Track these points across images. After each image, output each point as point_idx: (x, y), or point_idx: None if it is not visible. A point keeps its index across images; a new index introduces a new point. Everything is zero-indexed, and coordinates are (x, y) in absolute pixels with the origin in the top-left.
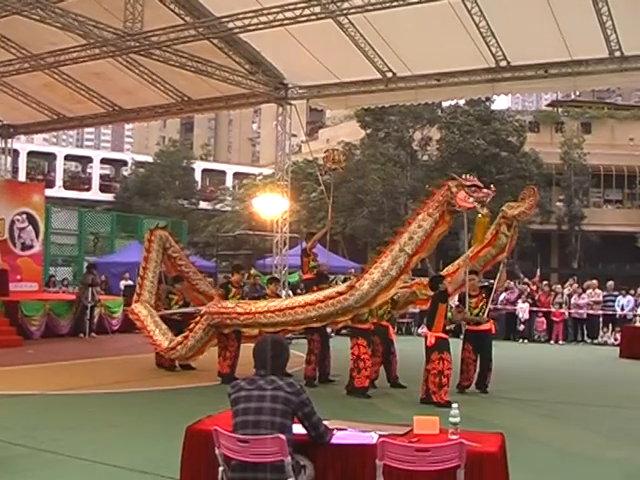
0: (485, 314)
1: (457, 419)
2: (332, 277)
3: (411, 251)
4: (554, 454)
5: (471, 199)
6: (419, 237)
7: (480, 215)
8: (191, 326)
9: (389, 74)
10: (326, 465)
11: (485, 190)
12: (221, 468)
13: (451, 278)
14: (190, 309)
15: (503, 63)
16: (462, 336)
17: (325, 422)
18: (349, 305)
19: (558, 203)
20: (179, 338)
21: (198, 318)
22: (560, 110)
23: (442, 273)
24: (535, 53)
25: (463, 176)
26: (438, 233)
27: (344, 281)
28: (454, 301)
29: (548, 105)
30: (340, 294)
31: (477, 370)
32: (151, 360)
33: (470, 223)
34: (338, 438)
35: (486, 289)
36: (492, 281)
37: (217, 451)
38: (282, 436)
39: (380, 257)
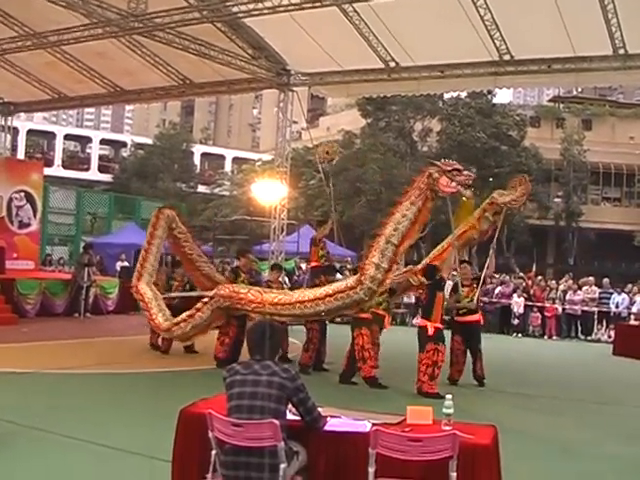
0: (475, 303)
1: (451, 410)
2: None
3: (397, 241)
4: (546, 448)
5: (453, 183)
6: (404, 227)
7: (464, 198)
8: (199, 305)
9: (392, 64)
10: (319, 452)
11: (466, 172)
12: (214, 451)
13: (440, 261)
14: (194, 293)
15: (506, 57)
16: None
17: (319, 409)
18: (359, 298)
19: (556, 199)
20: (184, 316)
21: (207, 299)
22: (561, 106)
23: (427, 259)
24: (539, 48)
25: (442, 160)
26: (422, 220)
27: (353, 272)
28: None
29: (550, 100)
30: (350, 288)
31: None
32: (146, 341)
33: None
34: (331, 425)
35: (476, 280)
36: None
37: (210, 434)
38: (276, 421)
39: (370, 252)
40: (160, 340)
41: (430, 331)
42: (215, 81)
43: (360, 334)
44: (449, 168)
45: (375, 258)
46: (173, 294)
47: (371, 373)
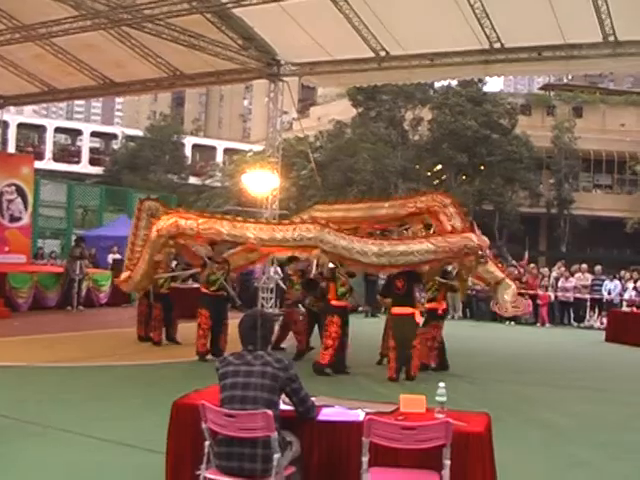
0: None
1: (444, 398)
2: None
3: None
4: (538, 435)
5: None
6: None
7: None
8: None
9: (382, 53)
10: (312, 442)
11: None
12: (207, 442)
13: None
14: (191, 271)
15: (497, 45)
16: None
17: (312, 399)
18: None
19: (542, 187)
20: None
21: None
22: (552, 94)
23: None
24: (529, 36)
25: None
26: None
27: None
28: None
29: (540, 88)
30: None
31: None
32: None
33: None
34: (325, 415)
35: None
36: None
37: (203, 425)
38: (269, 412)
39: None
40: (152, 334)
41: (419, 318)
42: (205, 72)
43: (332, 321)
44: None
45: None
46: (166, 274)
47: (324, 361)
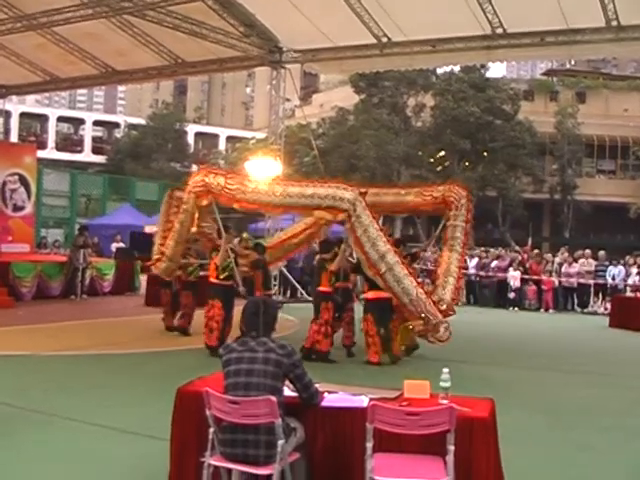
0: None
1: (448, 384)
2: None
3: None
4: (542, 420)
5: None
6: None
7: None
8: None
9: (384, 39)
10: (316, 428)
11: None
12: (212, 429)
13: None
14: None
15: (499, 30)
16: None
17: (316, 385)
18: None
19: (545, 173)
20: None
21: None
22: (555, 79)
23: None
24: (532, 21)
25: None
26: None
27: None
28: None
29: (543, 74)
30: None
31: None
32: (142, 322)
33: None
34: (329, 401)
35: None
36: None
37: (208, 412)
38: (273, 398)
39: None
40: (176, 321)
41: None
42: (207, 60)
43: (326, 308)
44: None
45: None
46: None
47: (325, 348)
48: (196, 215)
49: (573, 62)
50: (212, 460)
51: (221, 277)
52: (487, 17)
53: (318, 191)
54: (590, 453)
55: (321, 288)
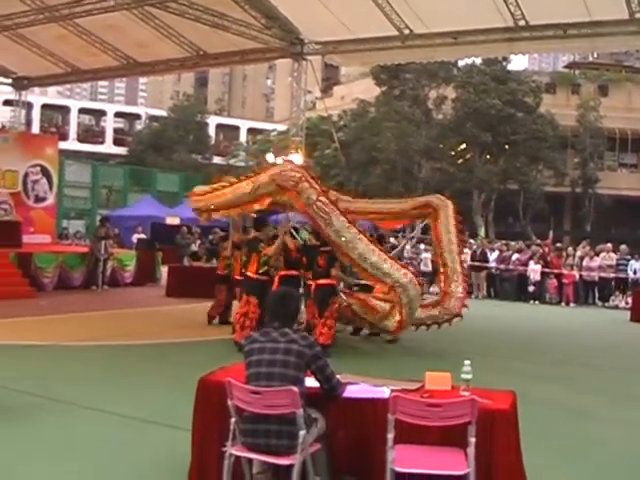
0: None
1: (469, 376)
2: None
3: None
4: (562, 413)
5: None
6: None
7: None
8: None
9: (406, 31)
10: (338, 418)
11: None
12: (233, 419)
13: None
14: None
15: (521, 22)
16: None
17: (338, 376)
18: None
19: (567, 166)
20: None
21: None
22: (577, 72)
23: None
24: (554, 13)
25: None
26: None
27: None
28: None
29: (565, 67)
30: None
31: None
32: (163, 313)
33: None
34: (350, 392)
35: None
36: None
37: (229, 402)
38: (294, 388)
39: None
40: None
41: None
42: (228, 51)
43: (247, 301)
44: None
45: None
46: None
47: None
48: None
49: (596, 55)
50: (233, 450)
51: (260, 272)
52: (509, 9)
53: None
54: (606, 447)
55: (249, 273)
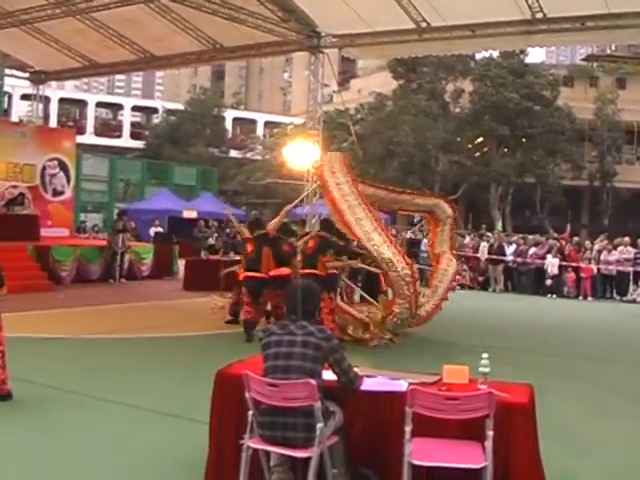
0: None
1: (487, 369)
2: None
3: None
4: (580, 407)
5: None
6: None
7: None
8: None
9: (423, 24)
10: (355, 411)
11: None
12: (251, 412)
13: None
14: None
15: (539, 15)
16: None
17: (355, 369)
18: None
19: (584, 159)
20: None
21: None
22: (595, 65)
23: None
24: (572, 5)
25: None
26: None
27: None
28: None
29: (583, 59)
30: None
31: None
32: (181, 306)
33: None
34: (368, 385)
35: None
36: None
37: (247, 395)
38: (312, 381)
39: None
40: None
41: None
42: (245, 45)
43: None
44: None
45: None
46: None
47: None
48: None
49: (613, 47)
50: (251, 442)
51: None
52: (527, 1)
53: None
54: (623, 442)
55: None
